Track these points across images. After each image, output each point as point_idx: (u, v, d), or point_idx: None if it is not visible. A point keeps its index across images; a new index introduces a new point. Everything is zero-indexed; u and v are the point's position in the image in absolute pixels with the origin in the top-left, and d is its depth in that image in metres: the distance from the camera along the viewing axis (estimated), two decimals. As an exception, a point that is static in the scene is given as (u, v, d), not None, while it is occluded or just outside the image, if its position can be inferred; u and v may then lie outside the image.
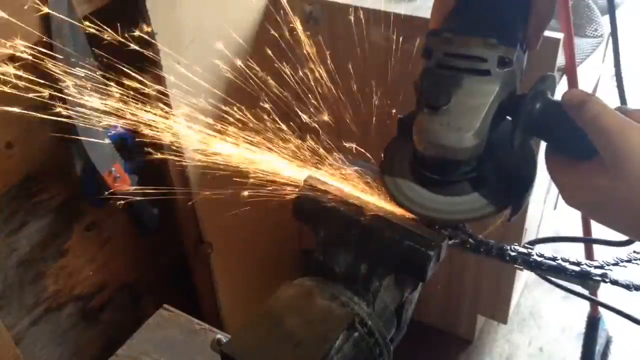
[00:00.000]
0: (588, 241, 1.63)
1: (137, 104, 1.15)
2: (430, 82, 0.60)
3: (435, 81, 0.60)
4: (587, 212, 0.58)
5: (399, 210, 0.64)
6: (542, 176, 0.62)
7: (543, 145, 0.61)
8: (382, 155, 0.68)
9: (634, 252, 0.65)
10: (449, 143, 0.58)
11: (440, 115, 0.58)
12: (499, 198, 0.62)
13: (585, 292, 0.71)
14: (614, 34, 0.87)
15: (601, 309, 1.73)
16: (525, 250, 0.65)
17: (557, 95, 0.60)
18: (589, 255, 1.61)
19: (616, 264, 0.64)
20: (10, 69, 1.03)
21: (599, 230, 1.66)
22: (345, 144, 0.84)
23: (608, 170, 0.52)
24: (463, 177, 0.62)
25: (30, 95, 1.09)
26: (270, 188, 0.76)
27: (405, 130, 0.66)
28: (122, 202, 1.26)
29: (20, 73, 1.06)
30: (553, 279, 0.67)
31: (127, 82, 1.13)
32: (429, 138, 0.58)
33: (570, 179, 0.56)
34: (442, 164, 0.61)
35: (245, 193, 0.84)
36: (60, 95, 1.07)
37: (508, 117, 0.61)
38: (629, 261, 0.64)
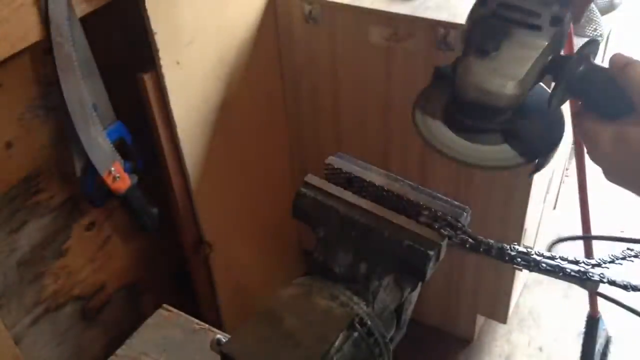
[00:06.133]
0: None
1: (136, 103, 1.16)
2: (482, 30, 0.61)
3: (486, 29, 0.61)
4: (613, 167, 0.59)
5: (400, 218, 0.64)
6: (542, 176, 0.62)
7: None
8: (418, 94, 0.68)
9: (628, 249, 0.65)
10: (492, 88, 0.60)
11: (488, 60, 0.60)
12: (527, 152, 0.63)
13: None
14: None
15: (601, 309, 1.73)
16: (524, 250, 0.65)
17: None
18: (588, 254, 1.61)
19: (612, 262, 0.64)
20: (9, 68, 1.03)
21: (598, 230, 1.67)
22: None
23: None
24: (497, 126, 0.64)
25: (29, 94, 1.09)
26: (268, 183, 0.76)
27: (440, 80, 0.67)
28: (122, 201, 1.26)
29: (19, 73, 1.07)
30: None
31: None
32: (474, 80, 0.60)
33: (603, 131, 0.58)
34: (482, 109, 0.62)
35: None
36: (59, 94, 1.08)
37: (540, 84, 0.63)
38: (623, 258, 0.64)
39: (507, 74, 0.59)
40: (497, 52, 0.60)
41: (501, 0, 0.61)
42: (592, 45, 0.61)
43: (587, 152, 0.60)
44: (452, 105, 0.65)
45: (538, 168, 0.64)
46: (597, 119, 0.59)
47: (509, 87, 0.59)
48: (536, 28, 0.60)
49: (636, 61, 0.57)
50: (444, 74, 0.67)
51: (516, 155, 0.63)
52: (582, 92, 0.61)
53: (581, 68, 0.60)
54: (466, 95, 0.61)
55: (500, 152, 0.64)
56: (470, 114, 0.63)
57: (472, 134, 0.64)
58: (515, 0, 0.61)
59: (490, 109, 0.62)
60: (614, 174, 0.59)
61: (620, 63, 0.58)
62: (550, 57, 0.61)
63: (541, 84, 0.63)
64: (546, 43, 0.60)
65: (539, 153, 0.63)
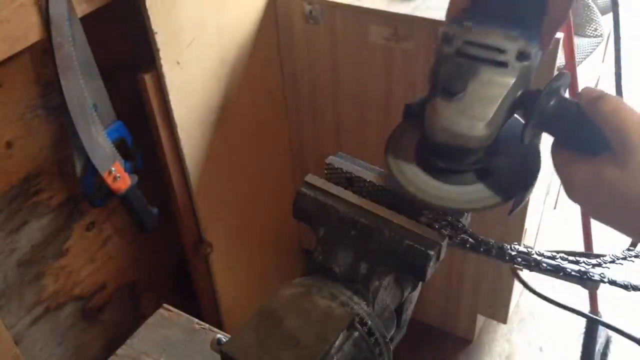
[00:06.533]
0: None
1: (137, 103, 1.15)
2: (448, 69, 0.60)
3: (452, 68, 0.60)
4: (590, 207, 0.57)
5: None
6: (542, 177, 0.62)
7: (546, 143, 0.62)
8: (388, 137, 0.68)
9: (628, 249, 0.65)
10: (461, 130, 0.58)
11: (455, 102, 0.58)
12: (503, 190, 0.62)
13: (583, 309, 0.71)
14: (616, 34, 0.88)
15: (601, 309, 1.73)
16: (524, 250, 0.65)
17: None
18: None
19: (612, 262, 0.64)
20: (9, 68, 1.03)
21: (598, 231, 1.67)
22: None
23: (619, 162, 0.53)
24: (470, 167, 0.63)
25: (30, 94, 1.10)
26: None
27: (411, 117, 0.66)
28: (122, 201, 1.26)
29: (19, 73, 1.07)
30: (547, 298, 0.67)
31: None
32: (442, 124, 0.59)
33: (578, 171, 0.56)
34: (452, 151, 0.61)
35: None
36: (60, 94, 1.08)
37: (515, 115, 0.62)
38: (624, 259, 0.64)
39: (475, 114, 0.58)
40: (463, 92, 0.58)
41: (466, 37, 0.60)
42: (563, 78, 0.59)
43: (564, 191, 0.59)
44: (423, 147, 0.64)
45: (515, 206, 0.63)
46: (572, 157, 0.57)
47: (478, 129, 0.58)
48: (502, 65, 0.58)
49: (606, 95, 0.55)
50: (415, 112, 0.65)
51: (492, 195, 0.62)
52: (554, 127, 0.59)
53: (552, 103, 0.58)
54: (435, 138, 0.60)
55: (476, 192, 0.62)
56: (440, 155, 0.62)
57: (445, 175, 0.63)
58: (480, 38, 0.60)
59: (460, 150, 0.60)
60: (593, 214, 0.58)
61: (590, 97, 0.56)
62: (519, 93, 0.59)
63: (515, 115, 0.61)
64: (513, 80, 0.58)
65: (515, 191, 0.62)
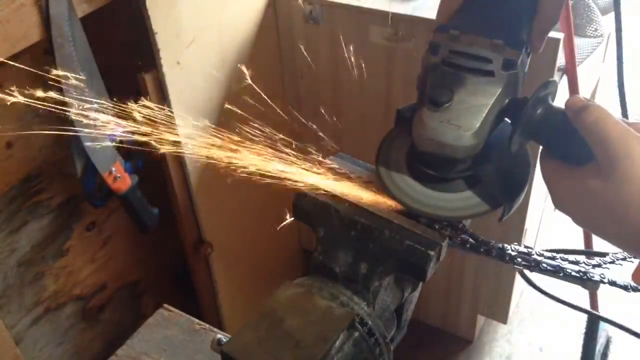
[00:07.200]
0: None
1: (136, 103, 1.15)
2: (434, 79, 0.60)
3: (439, 78, 0.60)
4: (577, 217, 0.57)
5: (393, 203, 0.64)
6: (542, 178, 0.62)
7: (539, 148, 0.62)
8: (379, 145, 0.68)
9: None
10: (448, 141, 0.58)
11: (442, 112, 0.58)
12: (492, 198, 0.62)
13: (583, 305, 0.70)
14: (618, 38, 0.88)
15: (601, 309, 1.73)
16: (525, 250, 0.65)
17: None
18: (588, 254, 1.61)
19: (612, 262, 0.64)
20: (9, 69, 1.03)
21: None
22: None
23: (602, 173, 0.52)
24: (459, 174, 0.63)
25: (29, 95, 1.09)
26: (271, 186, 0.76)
27: (402, 123, 0.67)
28: (122, 201, 1.26)
29: (19, 73, 1.07)
30: (547, 294, 0.67)
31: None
32: (428, 134, 0.59)
33: (564, 182, 0.56)
34: (440, 160, 0.61)
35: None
36: (60, 95, 1.08)
37: (506, 119, 0.62)
38: (624, 259, 0.64)
39: (462, 125, 0.57)
40: (450, 102, 0.58)
41: (452, 47, 0.60)
42: (550, 86, 0.59)
43: (551, 200, 0.59)
44: (413, 155, 0.64)
45: (504, 214, 0.62)
46: (558, 166, 0.57)
47: (465, 139, 0.57)
48: (489, 74, 0.58)
49: (592, 105, 0.54)
50: (406, 117, 0.65)
51: (481, 203, 0.62)
52: (541, 136, 0.59)
53: (539, 111, 0.58)
54: (422, 148, 0.60)
55: (465, 199, 0.63)
56: (428, 164, 0.62)
57: (434, 183, 0.63)
58: (466, 47, 0.60)
59: (448, 160, 0.60)
60: (578, 223, 0.58)
61: (574, 107, 0.55)
62: (506, 101, 0.59)
63: (507, 120, 0.61)
64: (500, 89, 0.58)
65: (503, 198, 0.62)
